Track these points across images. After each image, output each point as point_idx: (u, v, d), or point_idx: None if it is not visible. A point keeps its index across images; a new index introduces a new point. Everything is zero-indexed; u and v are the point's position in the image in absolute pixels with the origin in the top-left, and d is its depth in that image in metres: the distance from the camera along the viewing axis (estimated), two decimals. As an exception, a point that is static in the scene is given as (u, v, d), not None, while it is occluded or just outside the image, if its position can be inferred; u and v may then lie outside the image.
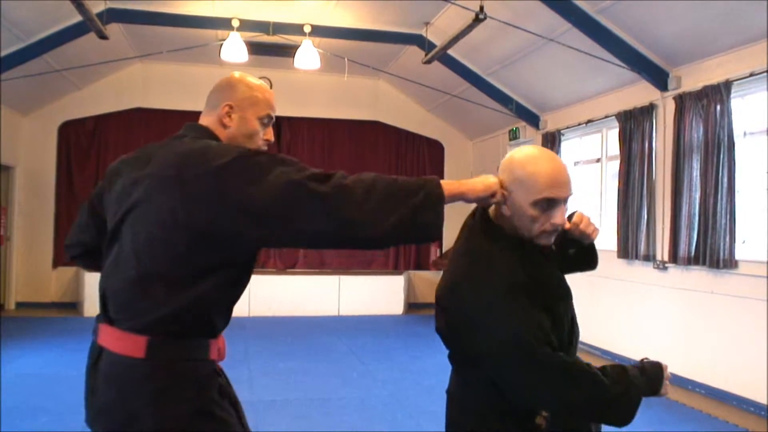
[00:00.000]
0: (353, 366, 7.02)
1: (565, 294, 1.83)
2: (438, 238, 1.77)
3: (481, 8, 6.70)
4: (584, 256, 2.06)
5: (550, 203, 1.71)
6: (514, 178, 1.73)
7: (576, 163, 8.69)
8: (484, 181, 1.75)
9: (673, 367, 6.32)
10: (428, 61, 8.34)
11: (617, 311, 7.38)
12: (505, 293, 1.64)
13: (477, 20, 6.79)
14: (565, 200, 1.74)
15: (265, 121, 2.02)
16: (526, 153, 1.77)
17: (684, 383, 6.21)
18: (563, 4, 6.55)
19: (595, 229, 1.95)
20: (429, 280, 11.65)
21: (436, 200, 1.69)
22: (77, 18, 7.38)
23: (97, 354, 1.84)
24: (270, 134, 2.06)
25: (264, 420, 4.94)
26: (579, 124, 8.27)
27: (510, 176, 1.75)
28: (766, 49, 5.63)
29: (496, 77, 8.92)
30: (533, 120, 9.26)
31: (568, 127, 8.54)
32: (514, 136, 9.91)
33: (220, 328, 1.90)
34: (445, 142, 11.87)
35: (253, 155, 1.73)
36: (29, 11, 7.38)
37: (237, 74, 2.06)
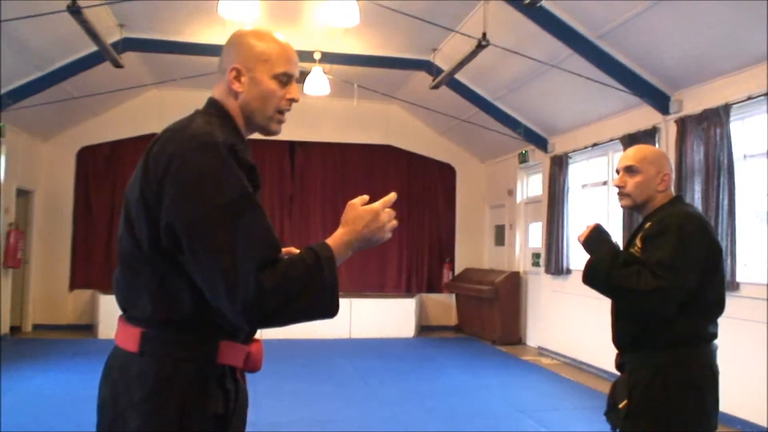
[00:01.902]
0: (358, 388, 7.09)
1: None
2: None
3: (484, 35, 6.84)
4: None
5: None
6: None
7: (584, 186, 8.74)
8: (351, 214, 1.68)
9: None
10: (435, 87, 8.49)
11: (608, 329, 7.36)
12: None
13: (480, 46, 6.93)
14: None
15: (282, 79, 1.72)
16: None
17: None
18: (564, 30, 6.66)
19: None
20: (441, 302, 11.71)
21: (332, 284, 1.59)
22: (93, 47, 7.63)
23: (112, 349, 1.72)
24: (294, 92, 1.74)
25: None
26: (585, 147, 8.33)
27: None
28: (763, 73, 5.68)
29: (503, 101, 9.03)
30: (542, 143, 9.35)
31: (575, 150, 8.61)
32: (523, 159, 9.99)
33: (232, 329, 1.64)
34: (456, 166, 11.97)
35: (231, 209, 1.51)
36: (47, 41, 7.65)
37: (245, 29, 1.77)
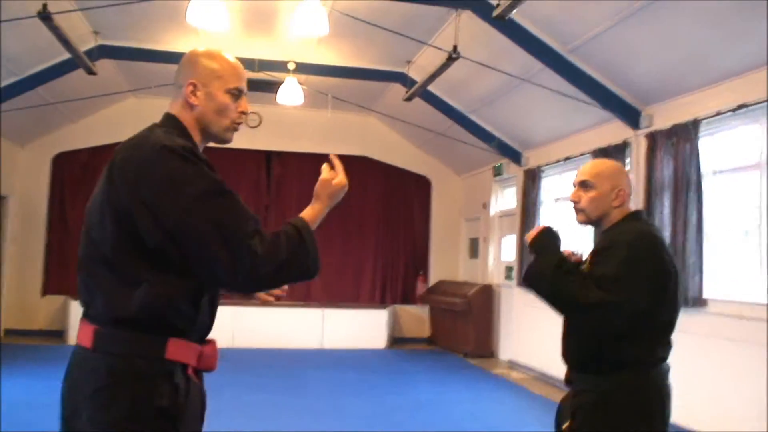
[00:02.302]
0: (326, 401, 7.04)
1: None
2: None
3: (455, 48, 6.87)
4: None
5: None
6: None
7: (556, 200, 8.77)
8: (326, 191, 1.97)
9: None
10: (408, 99, 8.51)
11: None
12: None
13: (450, 59, 6.96)
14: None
15: (234, 93, 1.90)
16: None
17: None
18: (535, 44, 6.70)
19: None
20: (415, 315, 11.70)
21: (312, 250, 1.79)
22: (68, 54, 7.60)
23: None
24: (245, 105, 1.93)
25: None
26: (558, 161, 8.37)
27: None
28: (732, 89, 5.72)
29: (478, 115, 9.07)
30: (516, 156, 9.38)
31: (548, 164, 8.64)
32: (498, 172, 10.03)
33: (181, 327, 1.74)
34: (432, 178, 12.00)
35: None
36: (22, 46, 7.62)
37: (198, 49, 1.94)
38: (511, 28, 6.54)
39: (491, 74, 7.59)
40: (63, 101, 9.12)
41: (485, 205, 10.75)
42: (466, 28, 6.91)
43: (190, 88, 1.86)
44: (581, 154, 7.85)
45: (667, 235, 6.34)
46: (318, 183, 1.98)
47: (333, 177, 2.00)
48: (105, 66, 8.56)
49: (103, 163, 1.86)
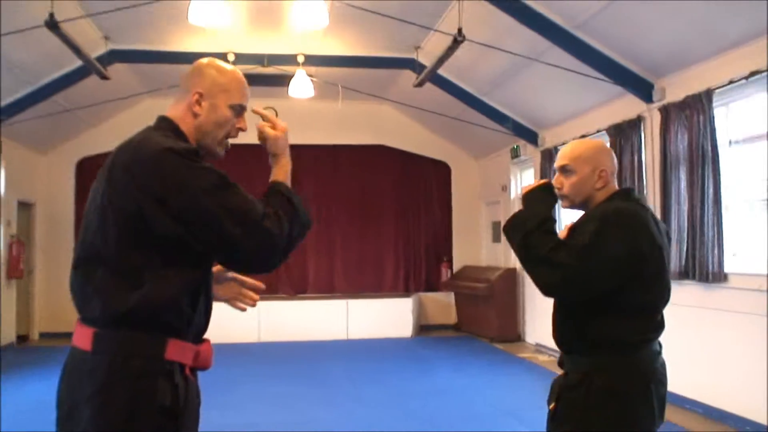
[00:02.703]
0: (344, 390, 7.10)
1: None
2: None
3: (459, 30, 6.79)
4: None
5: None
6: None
7: (574, 179, 8.64)
8: (280, 145, 2.03)
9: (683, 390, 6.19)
10: (419, 85, 8.45)
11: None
12: None
13: (456, 42, 6.89)
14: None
15: (237, 108, 1.95)
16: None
17: (680, 401, 6.04)
18: (540, 22, 6.60)
19: None
20: (440, 301, 11.66)
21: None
22: (80, 61, 7.72)
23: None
24: (243, 123, 1.99)
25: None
26: (573, 140, 8.21)
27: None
28: (743, 56, 5.56)
29: (490, 97, 8.97)
30: (532, 137, 9.27)
31: (564, 143, 8.51)
32: (515, 154, 9.92)
33: (179, 328, 1.79)
34: (451, 163, 11.92)
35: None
36: (32, 56, 7.75)
37: (206, 60, 1.99)
38: (514, 7, 6.47)
39: (500, 55, 7.49)
40: (80, 107, 9.25)
41: (504, 188, 10.65)
42: (470, 10, 6.81)
43: (196, 97, 1.90)
44: (597, 131, 7.72)
45: (684, 209, 6.22)
46: (269, 142, 2.02)
47: (277, 130, 2.04)
48: (118, 70, 8.67)
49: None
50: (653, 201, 6.75)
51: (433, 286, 11.76)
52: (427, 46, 8.28)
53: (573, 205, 2.44)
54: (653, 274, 2.28)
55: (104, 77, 8.11)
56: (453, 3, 6.97)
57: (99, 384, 1.69)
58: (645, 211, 2.38)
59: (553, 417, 2.32)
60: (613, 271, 2.20)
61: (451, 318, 11.59)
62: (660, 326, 2.35)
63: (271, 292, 11.14)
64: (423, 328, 11.31)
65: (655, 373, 2.29)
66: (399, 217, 11.72)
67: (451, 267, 11.65)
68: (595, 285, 2.20)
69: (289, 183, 1.95)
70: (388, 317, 10.74)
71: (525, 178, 10.30)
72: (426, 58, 8.44)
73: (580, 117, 8.14)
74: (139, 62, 8.70)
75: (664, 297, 2.34)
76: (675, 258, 6.29)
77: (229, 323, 9.79)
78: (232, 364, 8.21)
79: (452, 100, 9.30)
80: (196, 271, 1.83)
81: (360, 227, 11.53)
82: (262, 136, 2.01)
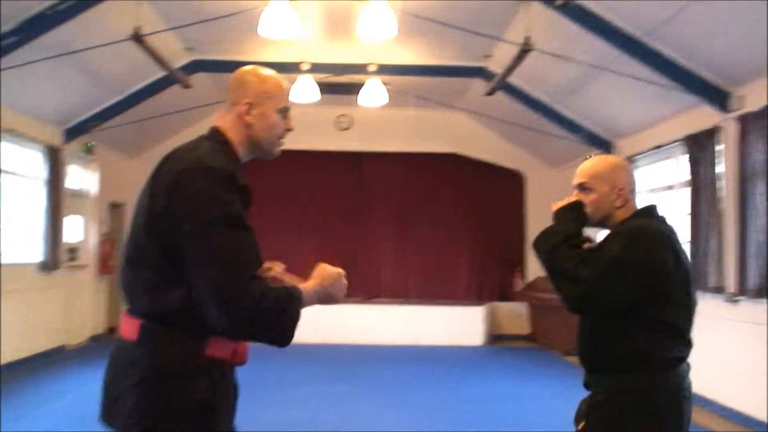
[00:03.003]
0: (401, 392, 7.23)
1: None
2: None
3: (527, 40, 6.76)
4: None
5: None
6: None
7: (650, 190, 8.38)
8: (330, 278, 2.00)
9: (747, 406, 5.95)
10: (489, 93, 8.43)
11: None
12: None
13: (523, 52, 6.86)
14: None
15: (283, 111, 2.08)
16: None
17: (758, 426, 5.78)
18: (608, 30, 6.47)
19: None
20: (513, 311, 11.51)
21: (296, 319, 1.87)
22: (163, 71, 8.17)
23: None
24: (290, 123, 2.11)
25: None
26: (649, 150, 8.00)
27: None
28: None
29: (563, 105, 8.83)
30: (606, 147, 9.05)
31: (639, 153, 8.28)
32: (590, 163, 9.71)
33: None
34: (526, 172, 11.77)
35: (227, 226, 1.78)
36: (122, 67, 8.26)
37: (248, 68, 2.11)
38: (581, 15, 6.37)
39: (570, 63, 7.39)
40: (165, 114, 9.74)
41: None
42: (537, 19, 6.78)
43: (246, 107, 2.02)
44: (671, 142, 7.47)
45: (762, 223, 5.95)
46: (317, 268, 2.04)
47: (334, 268, 2.05)
48: (199, 79, 9.10)
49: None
50: (730, 214, 6.49)
51: (506, 295, 11.63)
52: (498, 55, 8.25)
53: (592, 224, 2.42)
54: (678, 292, 2.26)
55: (186, 86, 8.53)
56: (521, 12, 6.94)
57: (143, 375, 1.80)
58: (669, 229, 2.36)
59: None
60: (637, 287, 2.20)
61: (525, 328, 11.43)
62: (689, 344, 2.31)
63: (345, 295, 11.34)
64: (495, 338, 11.21)
65: (685, 391, 2.27)
66: (472, 226, 11.67)
67: (524, 277, 11.51)
68: (617, 301, 2.21)
69: (305, 299, 1.91)
70: (459, 325, 10.72)
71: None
72: (497, 67, 8.42)
73: (653, 127, 7.90)
74: (219, 72, 9.08)
75: (690, 315, 2.30)
76: (753, 274, 6.03)
77: (300, 325, 10.10)
78: (301, 363, 8.47)
79: (524, 108, 9.22)
80: None
81: (433, 235, 11.56)
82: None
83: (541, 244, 2.37)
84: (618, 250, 2.20)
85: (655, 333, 2.24)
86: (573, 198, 2.43)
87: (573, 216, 2.38)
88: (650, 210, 2.44)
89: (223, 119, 2.07)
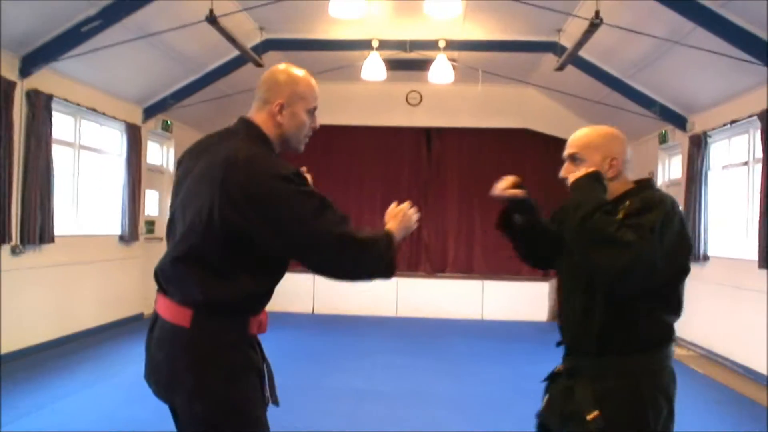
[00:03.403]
0: (465, 366, 7.36)
1: None
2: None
3: (597, 13, 6.65)
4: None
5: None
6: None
7: (724, 167, 8.16)
8: (397, 216, 2.33)
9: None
10: (560, 68, 8.34)
11: (757, 325, 6.84)
12: None
13: (593, 26, 6.76)
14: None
15: (312, 112, 2.24)
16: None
17: None
18: (683, 2, 6.31)
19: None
20: (581, 287, 11.41)
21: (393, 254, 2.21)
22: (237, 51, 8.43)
23: (153, 319, 2.19)
24: (316, 122, 2.28)
25: (361, 406, 5.52)
26: (724, 125, 7.77)
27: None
28: None
29: (635, 80, 8.63)
30: (680, 122, 8.82)
31: (714, 129, 8.05)
32: (663, 139, 9.49)
33: (259, 309, 2.17)
34: (598, 148, 11.53)
35: (304, 196, 2.04)
36: (198, 48, 8.57)
37: (281, 67, 2.24)
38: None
39: (643, 36, 7.23)
40: (238, 92, 10.02)
41: (652, 174, 10.23)
42: (610, -8, 6.66)
43: (278, 107, 2.17)
44: (749, 116, 7.23)
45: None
46: (387, 212, 2.35)
47: (395, 205, 2.38)
48: (271, 57, 9.30)
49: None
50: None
51: (572, 271, 11.51)
52: (569, 29, 8.13)
53: None
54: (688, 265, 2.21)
55: (259, 65, 8.77)
56: (592, -15, 6.82)
57: (198, 353, 2.04)
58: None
59: (603, 428, 2.11)
60: (677, 258, 2.13)
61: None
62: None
63: (411, 269, 11.52)
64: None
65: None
66: (542, 202, 11.52)
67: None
68: (660, 271, 2.05)
69: (397, 237, 2.26)
70: (524, 300, 10.77)
71: (673, 165, 9.83)
72: (568, 41, 8.28)
73: (730, 101, 7.65)
74: (291, 50, 9.28)
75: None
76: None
77: (368, 299, 10.33)
78: (368, 334, 8.72)
79: (596, 83, 9.05)
80: (282, 269, 2.19)
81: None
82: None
83: (568, 213, 2.16)
84: (656, 220, 2.05)
85: (670, 309, 2.18)
86: (590, 169, 2.23)
87: (595, 185, 2.17)
88: (652, 182, 2.36)
89: (257, 116, 2.21)
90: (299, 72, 2.23)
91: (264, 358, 2.22)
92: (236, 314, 2.09)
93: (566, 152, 2.39)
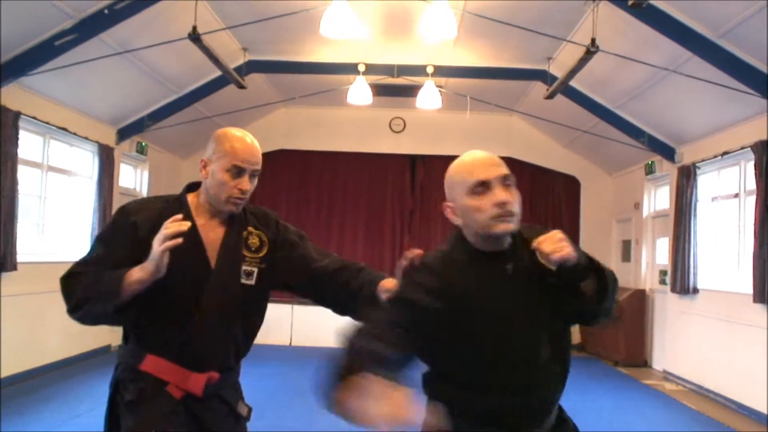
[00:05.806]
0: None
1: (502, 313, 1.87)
2: None
3: (593, 41, 6.55)
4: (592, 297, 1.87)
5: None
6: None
7: (714, 199, 8.08)
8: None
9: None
10: (549, 97, 8.23)
11: (753, 361, 6.68)
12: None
13: (589, 53, 6.65)
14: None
15: (233, 171, 2.16)
16: None
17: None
18: (681, 31, 6.23)
19: (558, 248, 1.75)
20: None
21: None
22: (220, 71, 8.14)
23: None
24: (244, 184, 2.17)
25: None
26: (715, 157, 7.70)
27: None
28: None
29: (625, 109, 8.57)
30: (668, 153, 8.75)
31: (704, 160, 7.98)
32: (650, 170, 9.42)
33: (153, 345, 2.19)
34: (582, 178, 11.47)
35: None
36: (179, 67, 8.26)
37: (219, 131, 2.26)
38: (653, 15, 6.13)
39: (636, 66, 7.15)
40: (219, 114, 9.74)
41: (637, 206, 10.14)
42: (605, 20, 6.56)
43: (202, 164, 2.23)
44: (741, 148, 7.17)
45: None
46: None
47: None
48: (255, 79, 9.07)
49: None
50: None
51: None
52: (560, 57, 8.04)
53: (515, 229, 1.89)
54: None
55: (241, 86, 8.51)
56: (588, 13, 6.73)
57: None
58: None
59: None
60: None
61: (575, 337, 11.14)
62: None
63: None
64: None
65: None
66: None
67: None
68: None
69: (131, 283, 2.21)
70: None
71: (660, 196, 9.75)
72: (558, 70, 8.20)
73: (722, 132, 7.59)
74: (275, 72, 9.05)
75: None
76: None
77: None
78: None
79: (584, 112, 8.98)
80: (145, 303, 2.24)
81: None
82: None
83: (614, 285, 1.98)
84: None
85: None
86: (556, 232, 1.88)
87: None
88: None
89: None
90: (236, 132, 2.22)
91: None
92: (131, 344, 2.26)
93: (494, 173, 1.88)
